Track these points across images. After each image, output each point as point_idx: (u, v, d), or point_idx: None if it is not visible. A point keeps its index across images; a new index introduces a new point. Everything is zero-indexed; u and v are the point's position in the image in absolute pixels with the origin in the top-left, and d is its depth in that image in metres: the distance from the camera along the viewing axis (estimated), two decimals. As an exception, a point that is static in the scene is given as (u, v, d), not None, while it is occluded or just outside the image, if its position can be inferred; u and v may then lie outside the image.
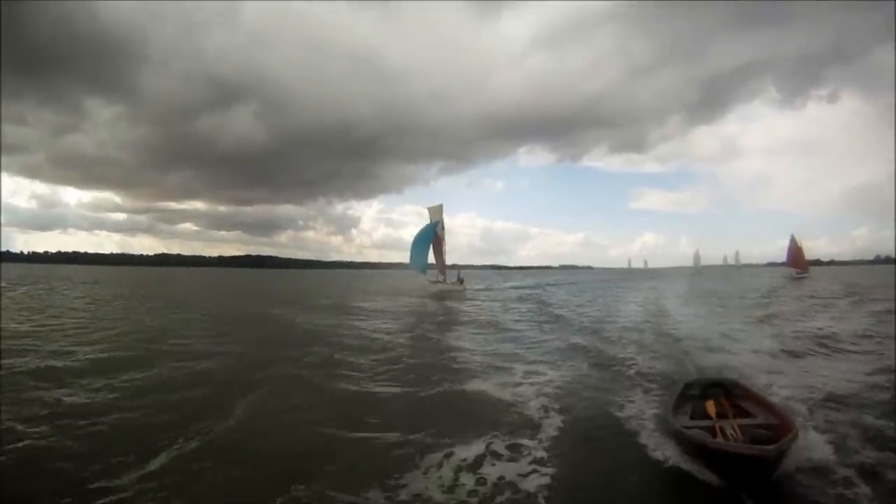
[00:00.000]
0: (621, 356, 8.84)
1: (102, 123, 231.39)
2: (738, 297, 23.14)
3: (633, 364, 8.13)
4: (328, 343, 10.82)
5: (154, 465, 4.26)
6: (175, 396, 6.34)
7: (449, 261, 33.49)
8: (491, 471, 4.18)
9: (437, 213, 33.23)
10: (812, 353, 9.08)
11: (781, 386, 6.38)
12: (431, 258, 32.26)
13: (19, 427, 5.09)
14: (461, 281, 31.96)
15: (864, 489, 3.63)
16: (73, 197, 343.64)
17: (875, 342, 9.98)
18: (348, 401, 6.33)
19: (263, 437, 5.02)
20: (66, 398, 6.19)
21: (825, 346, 9.66)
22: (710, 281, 43.19)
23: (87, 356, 8.91)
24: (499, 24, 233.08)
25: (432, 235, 32.33)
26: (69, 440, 4.80)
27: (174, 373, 7.78)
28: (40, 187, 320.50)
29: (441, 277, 32.32)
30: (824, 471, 3.87)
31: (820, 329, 11.72)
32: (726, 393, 5.19)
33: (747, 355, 8.71)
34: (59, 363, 8.22)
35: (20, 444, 4.67)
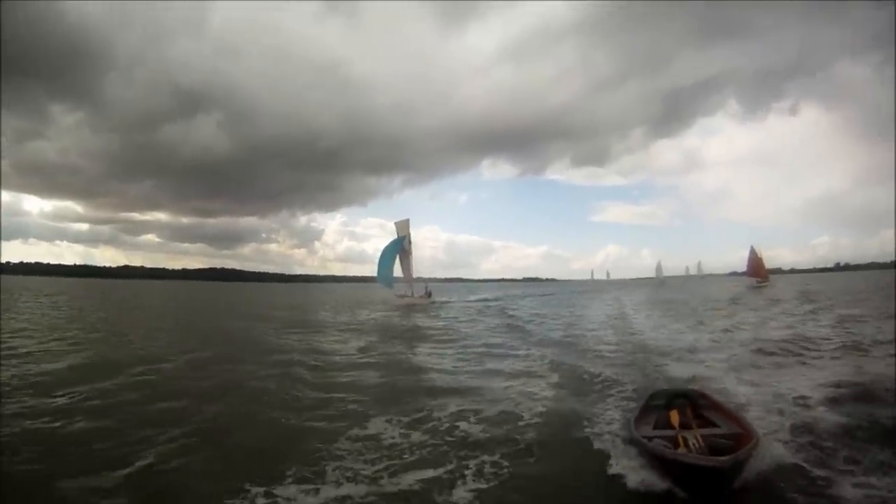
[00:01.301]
0: (587, 364, 8.95)
1: (65, 130, 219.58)
2: (695, 306, 23.74)
3: (598, 370, 8.35)
4: (312, 353, 11.00)
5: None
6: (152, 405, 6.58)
7: (414, 274, 33.41)
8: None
9: (403, 227, 33.31)
10: (765, 357, 9.14)
11: (736, 389, 6.54)
12: (397, 272, 32.16)
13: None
14: (429, 294, 31.71)
15: (822, 497, 3.63)
16: (34, 205, 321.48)
17: (829, 345, 10.15)
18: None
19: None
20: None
21: (778, 350, 9.73)
22: (671, 291, 44.79)
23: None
24: (465, 37, 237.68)
25: (399, 249, 32.31)
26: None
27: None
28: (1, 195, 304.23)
29: (409, 291, 32.11)
30: (784, 479, 3.86)
31: (774, 336, 11.81)
32: (691, 403, 5.19)
33: (703, 358, 9.05)
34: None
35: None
